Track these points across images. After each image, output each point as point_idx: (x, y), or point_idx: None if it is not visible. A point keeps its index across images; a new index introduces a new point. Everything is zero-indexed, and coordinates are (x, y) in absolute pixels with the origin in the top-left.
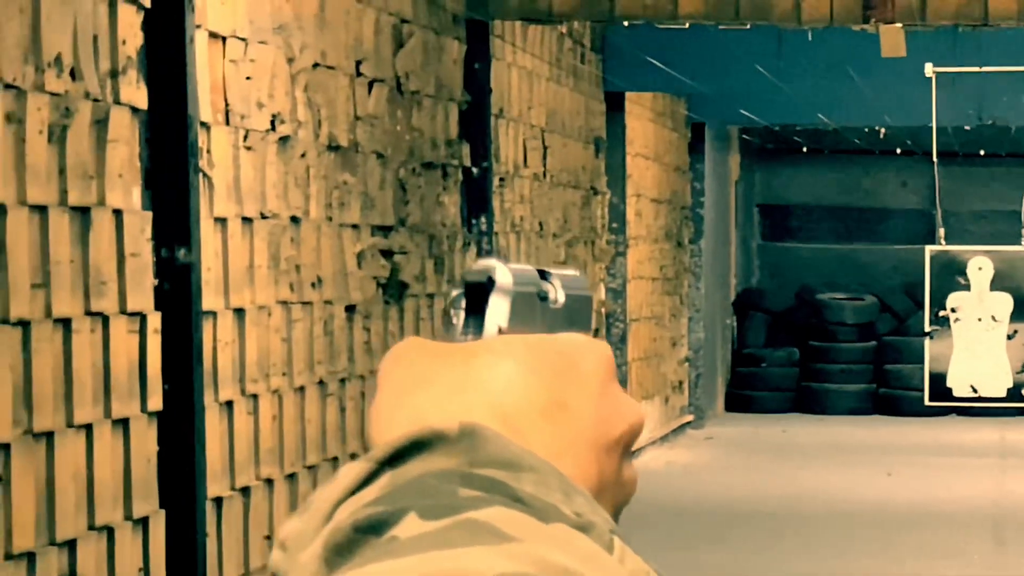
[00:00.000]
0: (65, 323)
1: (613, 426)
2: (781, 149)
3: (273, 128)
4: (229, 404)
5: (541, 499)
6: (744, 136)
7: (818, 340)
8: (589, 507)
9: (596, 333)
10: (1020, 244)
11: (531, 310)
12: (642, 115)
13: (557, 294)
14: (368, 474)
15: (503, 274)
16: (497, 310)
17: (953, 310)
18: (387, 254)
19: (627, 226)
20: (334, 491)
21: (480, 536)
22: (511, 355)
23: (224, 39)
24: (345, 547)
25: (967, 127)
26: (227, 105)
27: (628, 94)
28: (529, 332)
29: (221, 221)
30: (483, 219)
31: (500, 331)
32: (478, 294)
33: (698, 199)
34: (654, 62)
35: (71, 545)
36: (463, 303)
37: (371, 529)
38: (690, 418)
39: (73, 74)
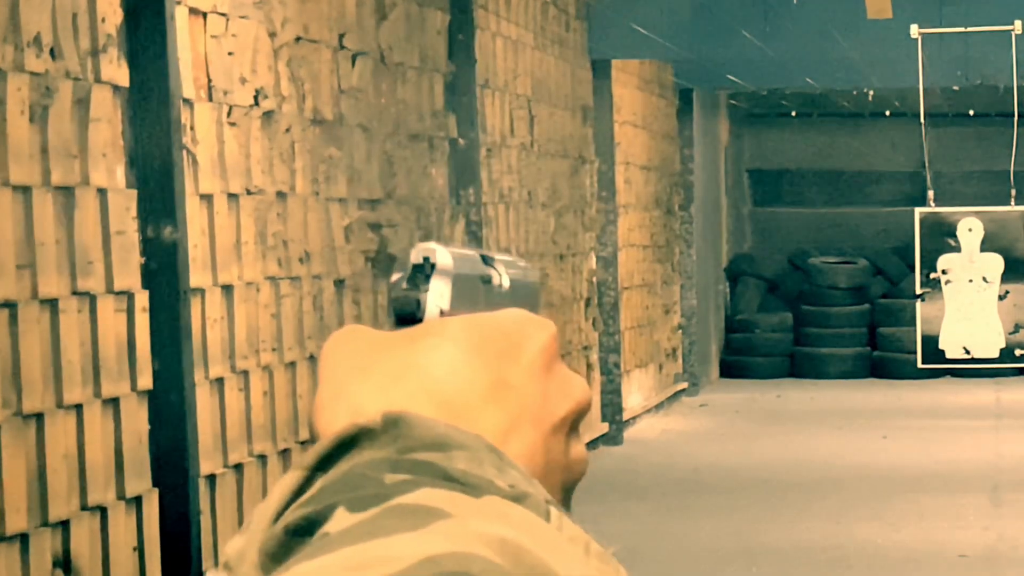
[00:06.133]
0: (52, 304)
1: (559, 405)
2: (770, 113)
3: (257, 103)
4: (220, 381)
5: (473, 474)
6: (732, 101)
7: (811, 304)
8: (524, 480)
9: (588, 301)
10: (1010, 204)
11: (474, 293)
12: (629, 82)
13: (501, 279)
14: (301, 482)
15: (443, 256)
16: (438, 292)
17: (944, 272)
18: (375, 227)
19: (616, 194)
20: (270, 504)
21: (409, 520)
22: (452, 338)
23: (205, 15)
24: (279, 552)
25: (955, 87)
26: (210, 81)
27: (615, 61)
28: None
29: (206, 198)
30: (471, 190)
31: (442, 313)
32: (419, 275)
33: (687, 165)
34: (640, 29)
35: (64, 525)
36: (404, 285)
37: (303, 530)
38: (684, 386)
39: (53, 53)
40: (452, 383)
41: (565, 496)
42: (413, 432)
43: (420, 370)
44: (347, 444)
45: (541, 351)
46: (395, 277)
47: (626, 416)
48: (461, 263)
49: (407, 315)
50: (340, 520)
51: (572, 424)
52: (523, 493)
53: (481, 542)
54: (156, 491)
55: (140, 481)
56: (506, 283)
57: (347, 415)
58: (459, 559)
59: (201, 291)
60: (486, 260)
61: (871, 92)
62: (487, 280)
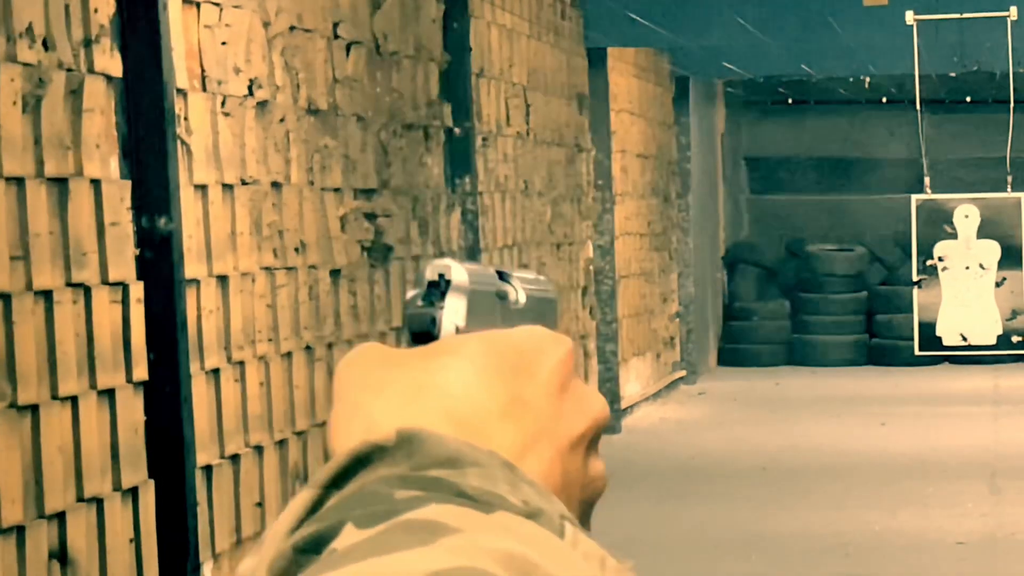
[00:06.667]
0: (46, 295)
1: (576, 422)
2: (766, 101)
3: (251, 93)
4: (215, 372)
5: (485, 491)
6: (729, 89)
7: (809, 292)
8: (538, 496)
9: (585, 290)
10: (1006, 191)
11: (490, 310)
12: (625, 70)
13: (517, 295)
14: (315, 500)
15: (458, 272)
16: (453, 309)
17: (941, 259)
18: (371, 217)
19: (613, 182)
20: (284, 523)
21: (416, 536)
22: (467, 356)
23: (198, 4)
24: (287, 570)
25: (952, 74)
26: (203, 71)
27: (610, 50)
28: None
29: (201, 188)
30: (467, 179)
31: (458, 330)
32: (434, 292)
33: (684, 154)
34: (635, 17)
35: (60, 518)
36: (420, 302)
37: (311, 548)
38: (682, 374)
39: (46, 44)
40: (468, 401)
41: (584, 513)
42: (426, 449)
43: (436, 388)
44: (361, 461)
45: (557, 368)
46: (410, 294)
47: (624, 404)
48: (476, 279)
49: (423, 332)
50: (348, 537)
51: (590, 441)
52: (536, 509)
53: (489, 558)
54: (152, 482)
55: (136, 472)
56: (522, 299)
57: (362, 433)
58: (465, 575)
59: (196, 282)
60: (502, 276)
61: (867, 79)
62: (503, 296)
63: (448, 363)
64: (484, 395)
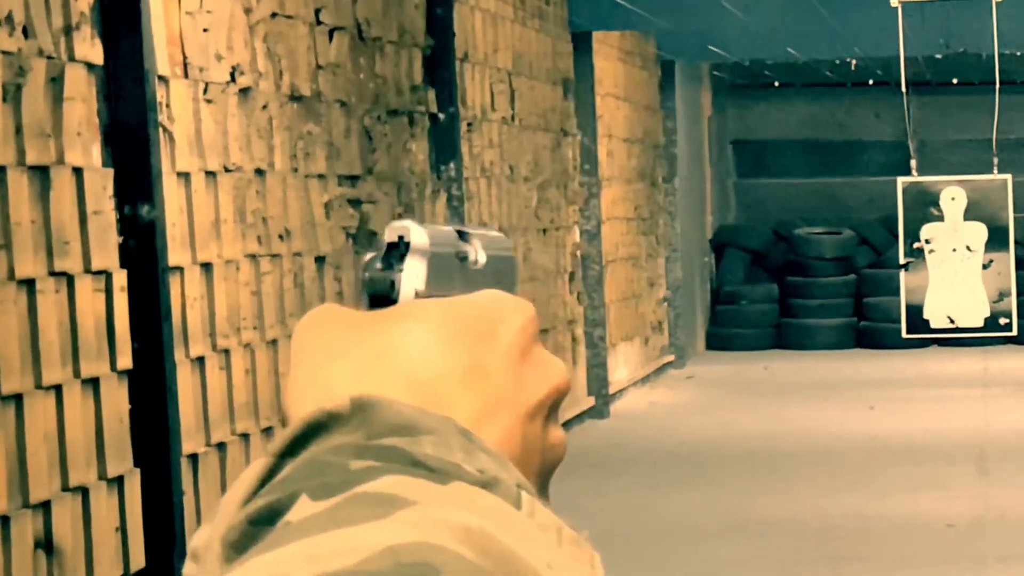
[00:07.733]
0: (29, 284)
1: (536, 389)
2: (752, 84)
3: (233, 80)
4: (200, 360)
5: (441, 459)
6: (715, 72)
7: (797, 275)
8: (494, 464)
9: (572, 275)
10: (993, 172)
11: (450, 271)
12: (610, 55)
13: (477, 255)
14: (269, 468)
15: (418, 235)
16: (413, 272)
17: (928, 241)
18: (355, 203)
19: (599, 167)
20: (237, 493)
21: (371, 509)
22: (427, 321)
23: None
24: (241, 542)
25: (938, 56)
26: (185, 58)
27: (595, 34)
28: (448, 294)
29: (184, 176)
30: (452, 165)
31: (417, 294)
32: (393, 254)
33: (671, 137)
34: (620, 1)
35: (45, 507)
36: (379, 264)
37: (265, 519)
38: (671, 358)
39: (25, 32)
40: (427, 367)
41: (543, 480)
42: (381, 416)
43: (394, 354)
44: (315, 429)
45: (518, 334)
46: (369, 256)
47: (612, 389)
48: (436, 241)
49: (381, 296)
50: (302, 509)
51: (550, 408)
52: (493, 479)
53: (445, 531)
54: (138, 471)
55: (122, 461)
56: (482, 259)
57: (318, 399)
58: (420, 549)
59: (180, 269)
60: (462, 236)
61: (853, 62)
62: (463, 257)
63: (408, 328)
64: (444, 361)
